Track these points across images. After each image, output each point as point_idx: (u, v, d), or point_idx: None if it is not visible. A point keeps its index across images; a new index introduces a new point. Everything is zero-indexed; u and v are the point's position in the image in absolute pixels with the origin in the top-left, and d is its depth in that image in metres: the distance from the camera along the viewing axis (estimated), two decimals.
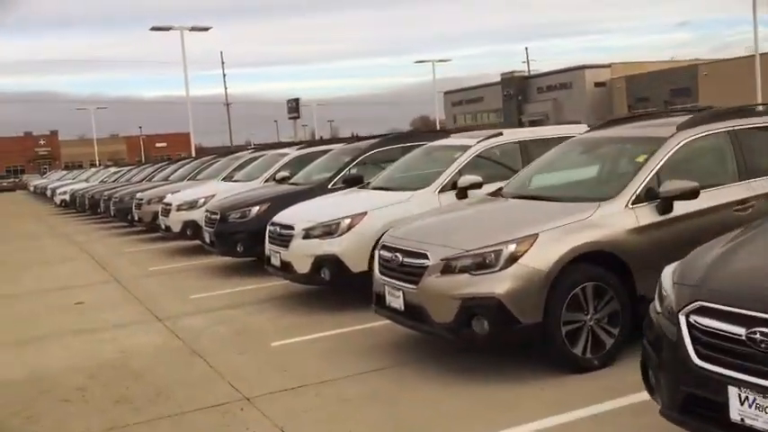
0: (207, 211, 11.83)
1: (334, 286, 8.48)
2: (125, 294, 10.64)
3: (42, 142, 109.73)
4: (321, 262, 8.16)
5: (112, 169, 36.38)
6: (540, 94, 73.03)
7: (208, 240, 11.58)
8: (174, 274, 12.06)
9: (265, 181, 13.75)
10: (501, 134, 9.20)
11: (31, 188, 58.36)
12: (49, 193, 40.51)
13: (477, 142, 8.97)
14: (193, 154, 33.34)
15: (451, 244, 5.75)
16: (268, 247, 9.02)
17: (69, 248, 17.34)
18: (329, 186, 10.77)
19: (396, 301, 6.07)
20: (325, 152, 13.33)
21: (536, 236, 5.51)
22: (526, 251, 5.45)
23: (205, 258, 12.95)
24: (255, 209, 10.80)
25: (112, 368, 6.83)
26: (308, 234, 8.35)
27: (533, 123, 52.61)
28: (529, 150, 9.11)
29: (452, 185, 8.53)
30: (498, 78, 76.67)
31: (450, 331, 5.62)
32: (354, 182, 10.45)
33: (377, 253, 6.56)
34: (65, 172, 58.24)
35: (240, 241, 10.75)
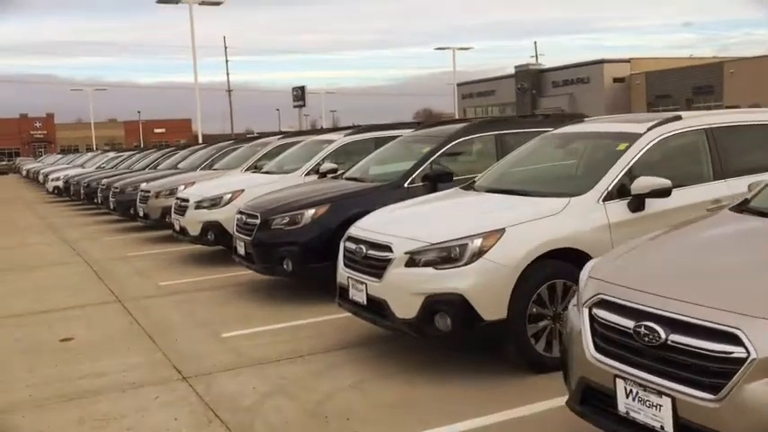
0: (241, 212, 8.88)
1: (455, 340, 5.60)
2: (131, 325, 7.79)
3: (38, 125, 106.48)
4: (436, 304, 5.34)
5: (111, 154, 33.35)
6: (555, 88, 70.60)
7: (242, 252, 8.67)
8: (193, 294, 9.19)
9: (306, 174, 10.98)
10: (680, 118, 6.40)
11: (24, 172, 55.19)
12: (41, 178, 37.51)
13: (649, 129, 6.19)
14: (200, 140, 30.54)
15: None
16: (344, 272, 6.18)
17: (58, 248, 14.44)
18: (405, 185, 8.12)
19: (648, 414, 3.27)
20: (380, 140, 10.73)
21: None
22: None
23: (232, 270, 10.00)
24: (310, 212, 7.99)
25: None
26: (414, 260, 5.52)
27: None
28: (720, 141, 6.35)
29: (619, 191, 5.78)
30: (506, 72, 74.09)
31: None
32: (440, 179, 7.94)
33: (584, 311, 3.74)
34: (60, 156, 55.11)
35: (288, 256, 7.94)
